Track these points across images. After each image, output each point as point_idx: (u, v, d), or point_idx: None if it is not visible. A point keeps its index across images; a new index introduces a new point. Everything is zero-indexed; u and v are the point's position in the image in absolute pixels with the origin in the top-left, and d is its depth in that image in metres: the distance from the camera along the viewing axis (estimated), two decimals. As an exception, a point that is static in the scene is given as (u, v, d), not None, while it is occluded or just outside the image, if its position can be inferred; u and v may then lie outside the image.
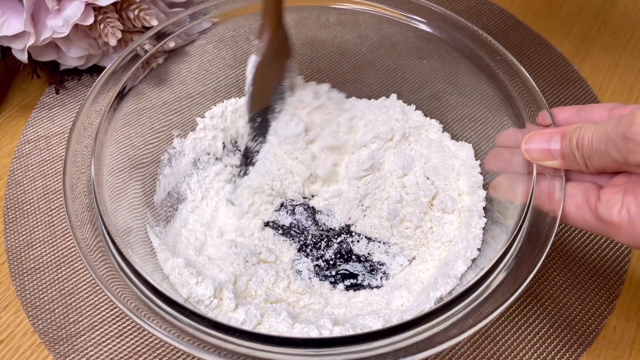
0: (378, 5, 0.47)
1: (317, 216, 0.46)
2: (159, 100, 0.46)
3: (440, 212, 0.44)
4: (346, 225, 0.45)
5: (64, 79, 0.56)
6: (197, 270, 0.39)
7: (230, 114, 0.49)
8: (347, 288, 0.43)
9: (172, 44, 0.45)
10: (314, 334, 0.36)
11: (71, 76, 0.56)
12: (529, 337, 0.42)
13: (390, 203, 0.45)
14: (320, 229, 0.45)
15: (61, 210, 0.47)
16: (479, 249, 0.41)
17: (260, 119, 0.46)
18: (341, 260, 0.44)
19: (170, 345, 0.37)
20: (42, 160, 0.50)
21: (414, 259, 0.44)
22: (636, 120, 0.29)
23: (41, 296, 0.43)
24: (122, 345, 0.41)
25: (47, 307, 0.42)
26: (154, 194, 0.44)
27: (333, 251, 0.44)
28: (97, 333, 0.41)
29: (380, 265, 0.44)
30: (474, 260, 0.40)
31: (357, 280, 0.43)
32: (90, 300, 0.43)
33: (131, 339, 0.41)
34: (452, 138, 0.49)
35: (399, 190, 0.45)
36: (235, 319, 0.37)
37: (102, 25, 0.49)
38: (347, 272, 0.43)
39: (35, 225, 0.46)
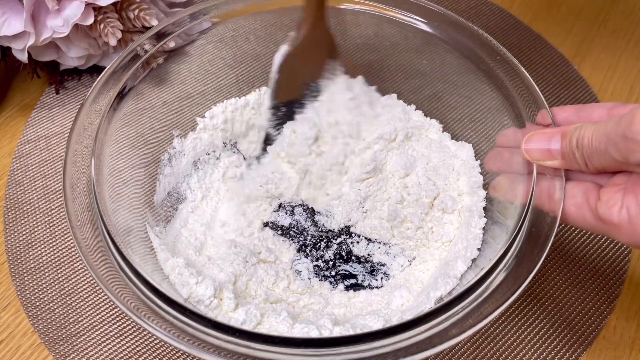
0: (378, 5, 0.47)
1: (316, 217, 0.46)
2: (159, 100, 0.46)
3: (440, 212, 0.44)
4: (346, 226, 0.45)
5: (64, 79, 0.56)
6: (197, 270, 0.39)
7: (230, 114, 0.49)
8: (347, 288, 0.43)
9: (172, 44, 0.45)
10: (314, 334, 0.36)
11: (71, 76, 0.56)
12: (529, 337, 0.42)
13: (390, 204, 0.44)
14: (319, 230, 0.45)
15: (61, 210, 0.47)
16: (479, 249, 0.41)
17: (285, 110, 0.46)
18: (341, 261, 0.44)
19: (170, 345, 0.37)
20: (42, 160, 0.50)
21: (414, 259, 0.44)
22: (636, 119, 0.29)
23: (41, 296, 0.43)
24: (122, 345, 0.41)
25: (47, 307, 0.42)
26: (154, 194, 0.44)
27: (332, 252, 0.44)
28: (97, 333, 0.41)
29: (380, 265, 0.44)
30: (474, 260, 0.40)
31: (357, 281, 0.43)
32: (90, 300, 0.43)
33: (131, 339, 0.41)
34: (452, 138, 0.48)
35: (400, 191, 0.45)
36: (235, 319, 0.37)
37: (102, 25, 0.49)
38: (347, 272, 0.43)
39: (35, 225, 0.46)
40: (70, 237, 0.45)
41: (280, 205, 0.46)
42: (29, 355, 0.41)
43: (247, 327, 0.36)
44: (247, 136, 0.50)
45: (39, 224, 0.46)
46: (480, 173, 0.45)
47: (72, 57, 0.52)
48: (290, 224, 0.45)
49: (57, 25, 0.48)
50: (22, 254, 0.45)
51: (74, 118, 0.41)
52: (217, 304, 0.37)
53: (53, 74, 0.55)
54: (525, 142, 0.36)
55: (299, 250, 0.44)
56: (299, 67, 0.45)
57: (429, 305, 0.38)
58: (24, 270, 0.44)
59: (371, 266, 0.44)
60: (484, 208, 0.43)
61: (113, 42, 0.50)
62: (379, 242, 0.45)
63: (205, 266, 0.41)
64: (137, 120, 0.44)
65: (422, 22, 0.47)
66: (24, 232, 0.46)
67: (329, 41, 0.45)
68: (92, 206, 0.36)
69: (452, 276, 0.39)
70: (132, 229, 0.39)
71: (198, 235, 0.44)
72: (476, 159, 0.46)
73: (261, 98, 0.49)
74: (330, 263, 0.44)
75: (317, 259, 0.44)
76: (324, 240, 0.45)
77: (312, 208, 0.46)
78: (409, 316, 0.36)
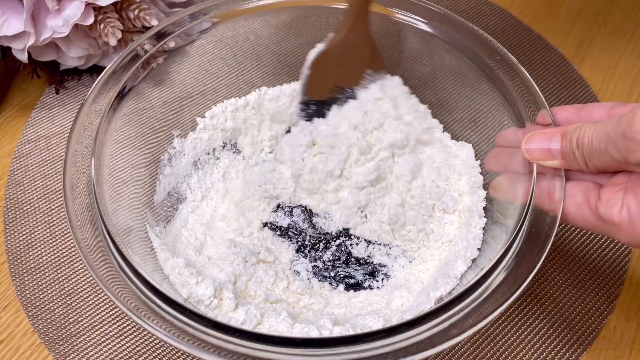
0: (378, 5, 0.47)
1: (314, 219, 0.45)
2: (159, 100, 0.46)
3: (441, 213, 0.44)
4: (344, 228, 0.45)
5: (64, 79, 0.56)
6: (197, 270, 0.39)
7: (231, 114, 0.49)
8: (347, 288, 0.42)
9: (172, 44, 0.45)
10: (314, 334, 0.36)
11: (71, 76, 0.56)
12: (529, 337, 0.42)
13: (391, 207, 0.44)
14: (317, 232, 0.45)
15: (61, 210, 0.47)
16: (479, 249, 0.41)
17: (315, 108, 0.46)
18: (340, 262, 0.44)
19: (170, 345, 0.37)
20: (42, 160, 0.50)
21: (414, 259, 0.44)
22: (636, 119, 0.29)
23: (41, 296, 0.43)
24: (122, 345, 0.41)
25: (47, 307, 0.42)
26: (154, 194, 0.44)
27: (331, 253, 0.44)
28: (97, 333, 0.41)
29: (381, 267, 0.44)
30: (474, 260, 0.40)
31: (357, 280, 0.43)
32: (90, 300, 0.43)
33: (131, 339, 0.41)
34: (452, 138, 0.48)
35: (402, 194, 0.44)
36: (235, 319, 0.37)
37: (102, 25, 0.49)
38: (347, 274, 0.43)
39: (35, 225, 0.46)
40: (70, 237, 0.45)
41: (278, 206, 0.46)
42: (29, 355, 0.41)
43: (247, 327, 0.36)
44: (247, 136, 0.50)
45: (39, 224, 0.46)
46: (480, 173, 0.45)
47: (72, 57, 0.52)
48: (289, 224, 0.45)
49: (57, 25, 0.48)
50: (22, 254, 0.45)
51: (74, 118, 0.41)
52: (217, 304, 0.37)
53: (53, 74, 0.55)
54: (526, 142, 0.36)
55: (297, 251, 0.44)
56: (332, 68, 0.45)
57: (429, 305, 0.38)
58: (24, 270, 0.44)
59: (372, 268, 0.44)
60: (484, 208, 0.43)
61: (113, 42, 0.50)
62: (379, 244, 0.44)
63: (205, 266, 0.41)
64: (137, 120, 0.44)
65: (422, 22, 0.47)
66: (24, 232, 0.46)
67: (371, 51, 0.45)
68: (92, 206, 0.36)
69: (452, 276, 0.39)
70: (132, 229, 0.39)
71: (198, 235, 0.44)
72: (476, 159, 0.46)
73: (261, 98, 0.49)
74: (330, 264, 0.44)
75: (315, 260, 0.44)
76: (323, 242, 0.45)
77: (310, 210, 0.46)
78: (409, 316, 0.36)
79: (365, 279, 0.43)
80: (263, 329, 0.37)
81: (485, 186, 0.44)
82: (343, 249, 0.44)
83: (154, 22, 0.50)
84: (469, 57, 0.45)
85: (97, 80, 0.41)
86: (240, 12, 0.47)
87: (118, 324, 0.42)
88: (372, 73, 0.46)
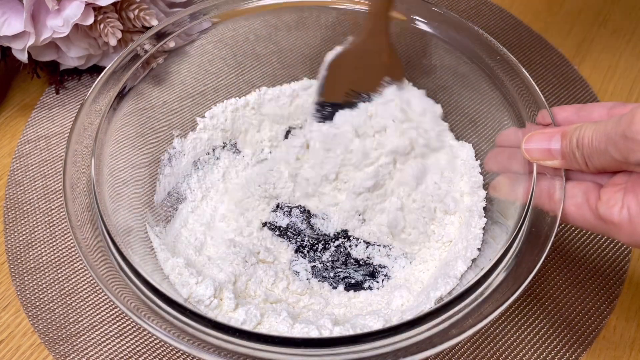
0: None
1: (312, 220, 0.45)
2: (159, 100, 0.46)
3: (442, 214, 0.44)
4: (343, 230, 0.45)
5: (64, 79, 0.56)
6: (197, 270, 0.39)
7: (230, 114, 0.49)
8: (347, 288, 0.42)
9: (172, 44, 0.45)
10: (314, 334, 0.36)
11: (71, 76, 0.56)
12: (529, 337, 0.42)
13: (390, 211, 0.43)
14: (315, 233, 0.45)
15: (61, 210, 0.47)
16: (479, 249, 0.41)
17: (330, 110, 0.46)
18: (339, 263, 0.44)
19: (170, 345, 0.37)
20: (42, 160, 0.50)
21: (414, 259, 0.44)
22: (636, 119, 0.29)
23: (41, 296, 0.43)
24: (122, 345, 0.41)
25: (47, 307, 0.42)
26: (154, 194, 0.44)
27: (330, 254, 0.44)
28: (97, 333, 0.41)
29: (381, 268, 0.44)
30: (474, 260, 0.40)
31: (357, 280, 0.43)
32: (90, 300, 0.43)
33: (131, 339, 0.41)
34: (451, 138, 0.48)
35: (402, 199, 0.44)
36: (235, 319, 0.37)
37: (102, 25, 0.49)
38: (346, 274, 0.43)
39: (35, 225, 0.46)
40: (70, 237, 0.45)
41: (278, 206, 0.46)
42: (29, 355, 0.41)
43: (247, 327, 0.36)
44: (247, 136, 0.50)
45: (39, 224, 0.46)
46: (480, 173, 0.45)
47: (72, 57, 0.52)
48: (288, 224, 0.45)
49: (57, 25, 0.48)
50: (22, 254, 0.45)
51: (74, 118, 0.41)
52: (217, 304, 0.37)
53: (53, 74, 0.55)
54: (526, 142, 0.36)
55: (296, 251, 0.44)
56: (349, 71, 0.45)
57: (429, 305, 0.38)
58: (24, 270, 0.44)
59: (372, 269, 0.44)
60: (484, 208, 0.43)
61: (113, 42, 0.50)
62: (379, 245, 0.44)
63: (205, 266, 0.41)
64: (137, 120, 0.44)
65: (422, 22, 0.47)
66: (24, 232, 0.46)
67: (390, 58, 0.45)
68: (92, 206, 0.36)
69: (452, 276, 0.39)
70: (132, 229, 0.39)
71: (198, 235, 0.44)
72: (476, 159, 0.46)
73: (261, 98, 0.49)
74: (329, 265, 0.44)
75: (314, 260, 0.44)
76: (322, 242, 0.45)
77: (308, 210, 0.46)
78: (409, 316, 0.36)
79: (365, 280, 0.43)
80: (263, 329, 0.37)
81: (485, 186, 0.44)
82: (342, 250, 0.44)
83: (154, 22, 0.50)
84: (469, 57, 0.45)
85: (97, 80, 0.41)
86: (240, 12, 0.47)
87: (118, 324, 0.42)
88: (391, 81, 0.45)
